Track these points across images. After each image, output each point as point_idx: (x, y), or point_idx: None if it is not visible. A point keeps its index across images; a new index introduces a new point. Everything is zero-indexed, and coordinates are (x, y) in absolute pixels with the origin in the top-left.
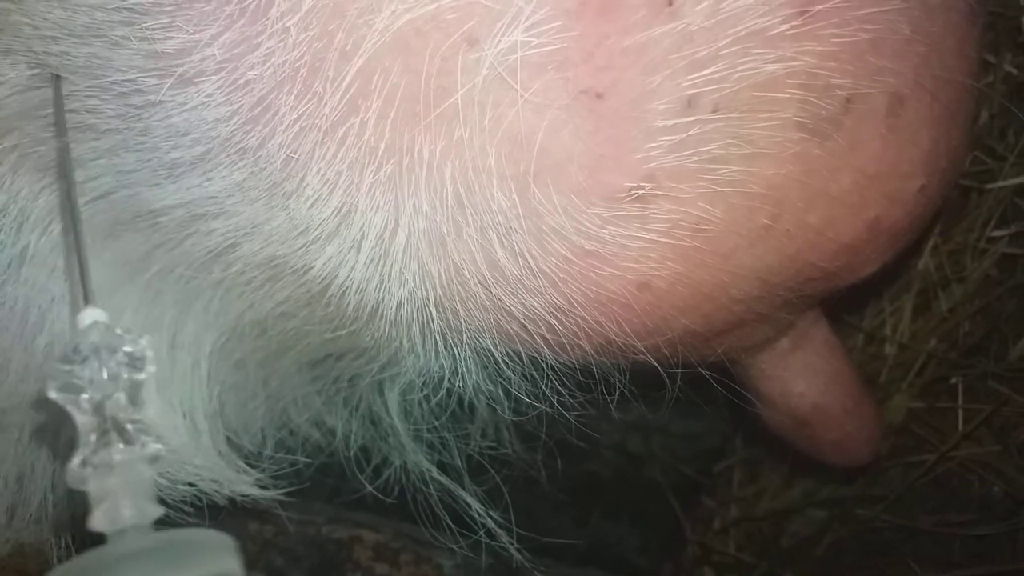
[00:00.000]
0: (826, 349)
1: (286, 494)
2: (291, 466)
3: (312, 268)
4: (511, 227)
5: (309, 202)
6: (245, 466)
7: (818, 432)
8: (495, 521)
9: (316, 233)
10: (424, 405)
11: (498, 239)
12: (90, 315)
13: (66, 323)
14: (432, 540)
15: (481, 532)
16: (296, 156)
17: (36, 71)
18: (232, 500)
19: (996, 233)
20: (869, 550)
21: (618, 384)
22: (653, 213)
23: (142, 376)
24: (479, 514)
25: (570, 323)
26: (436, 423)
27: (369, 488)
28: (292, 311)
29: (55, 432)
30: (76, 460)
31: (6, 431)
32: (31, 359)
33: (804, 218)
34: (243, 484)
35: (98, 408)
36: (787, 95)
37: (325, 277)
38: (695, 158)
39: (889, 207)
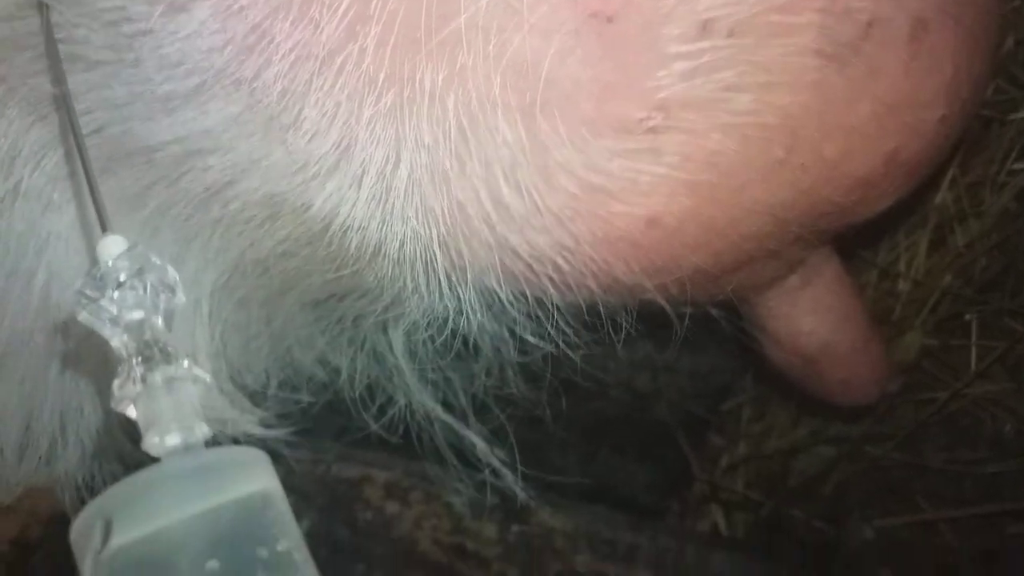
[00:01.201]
0: (837, 286)
1: (292, 433)
2: (295, 404)
3: (312, 206)
4: (516, 161)
5: (307, 136)
6: (250, 405)
7: (826, 371)
8: (500, 460)
9: (315, 169)
10: (429, 345)
11: (503, 174)
12: (114, 242)
13: (63, 261)
14: (442, 478)
15: (486, 471)
16: (293, 87)
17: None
18: (236, 440)
19: (1017, 165)
20: (878, 488)
21: (625, 323)
22: (664, 145)
23: (177, 300)
24: (484, 453)
25: (577, 262)
26: (441, 363)
27: (374, 427)
28: (294, 250)
29: (60, 372)
30: (118, 383)
31: (8, 372)
32: (30, 298)
33: (819, 150)
34: (248, 423)
35: (136, 332)
36: (805, 19)
37: (326, 215)
38: (709, 86)
39: (907, 138)
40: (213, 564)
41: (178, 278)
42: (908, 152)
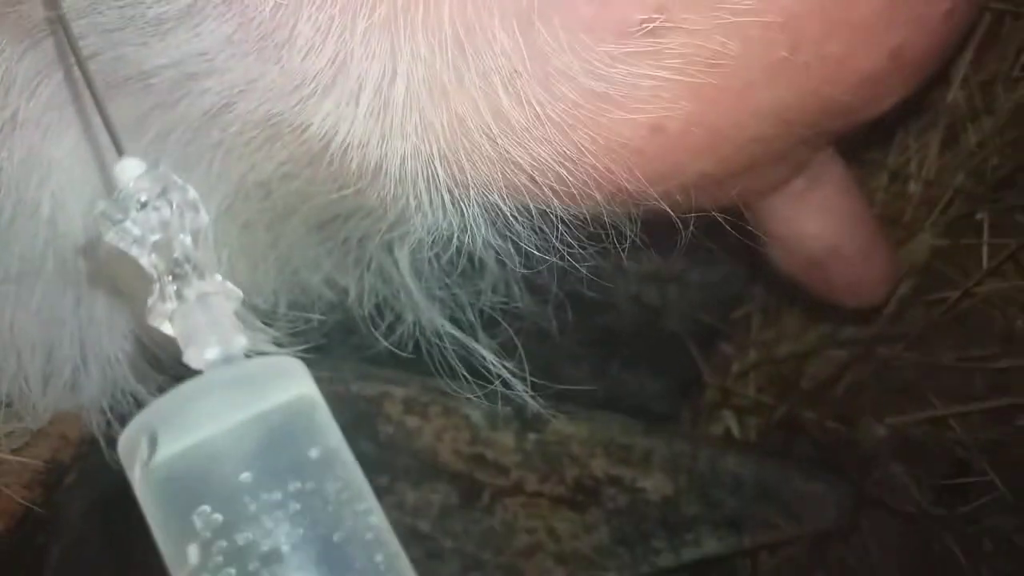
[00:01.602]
0: (842, 188)
1: (307, 352)
2: (306, 323)
3: (311, 125)
4: (515, 71)
5: (302, 53)
6: (262, 325)
7: (833, 273)
8: (510, 372)
9: (312, 87)
10: (434, 263)
11: (502, 85)
12: (132, 163)
13: (66, 189)
14: (460, 392)
15: (497, 383)
16: (285, 2)
17: None
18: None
19: None
20: (890, 388)
21: (630, 234)
22: (666, 48)
23: (202, 219)
24: (494, 366)
25: (580, 172)
26: (447, 280)
27: (385, 344)
28: (295, 171)
29: (76, 301)
30: (152, 301)
31: (25, 302)
32: (37, 227)
33: (823, 48)
34: (261, 343)
35: (165, 251)
36: None
37: (325, 134)
38: None
39: (914, 34)
40: (246, 476)
41: (199, 197)
42: (914, 48)
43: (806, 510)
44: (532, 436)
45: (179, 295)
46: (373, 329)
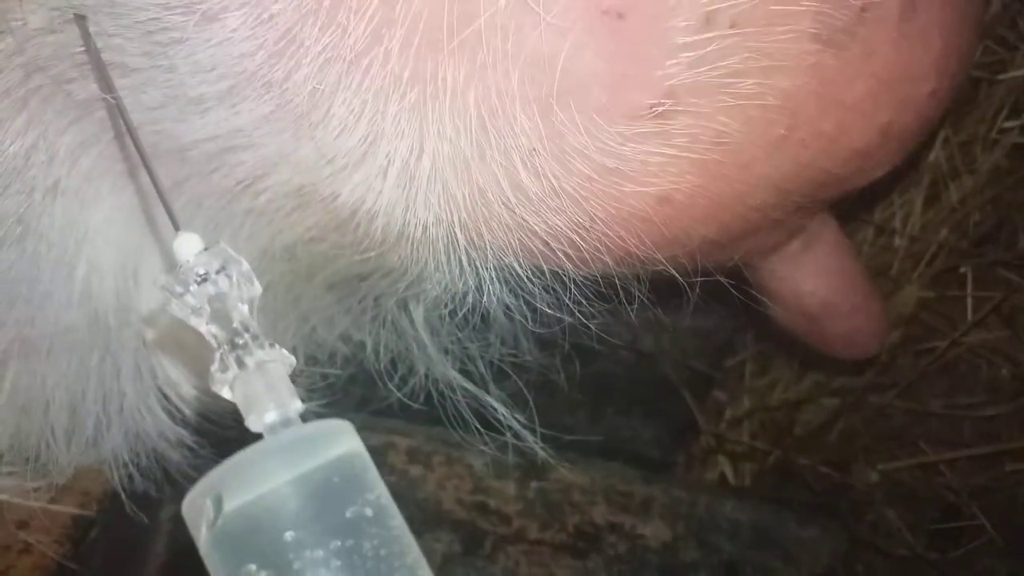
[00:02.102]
0: (835, 249)
1: (318, 407)
2: (323, 380)
3: (340, 195)
4: (534, 149)
5: (335, 132)
6: None
7: (828, 328)
8: (519, 422)
9: (343, 162)
10: (447, 319)
11: (521, 161)
12: (190, 239)
13: (100, 254)
14: (462, 442)
15: (508, 433)
16: (321, 87)
17: (56, 12)
18: None
19: (1007, 124)
20: (880, 435)
21: (637, 292)
22: (673, 128)
23: (256, 290)
24: (504, 416)
25: (592, 239)
26: (459, 335)
27: (398, 394)
28: (321, 236)
29: (101, 358)
30: (215, 368)
31: (55, 360)
32: (72, 289)
33: (819, 127)
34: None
35: (224, 321)
36: (803, 8)
37: (353, 204)
38: (714, 73)
39: (901, 111)
40: (290, 534)
41: (251, 269)
42: (901, 124)
43: (802, 554)
44: (534, 484)
45: (240, 363)
46: (388, 382)
